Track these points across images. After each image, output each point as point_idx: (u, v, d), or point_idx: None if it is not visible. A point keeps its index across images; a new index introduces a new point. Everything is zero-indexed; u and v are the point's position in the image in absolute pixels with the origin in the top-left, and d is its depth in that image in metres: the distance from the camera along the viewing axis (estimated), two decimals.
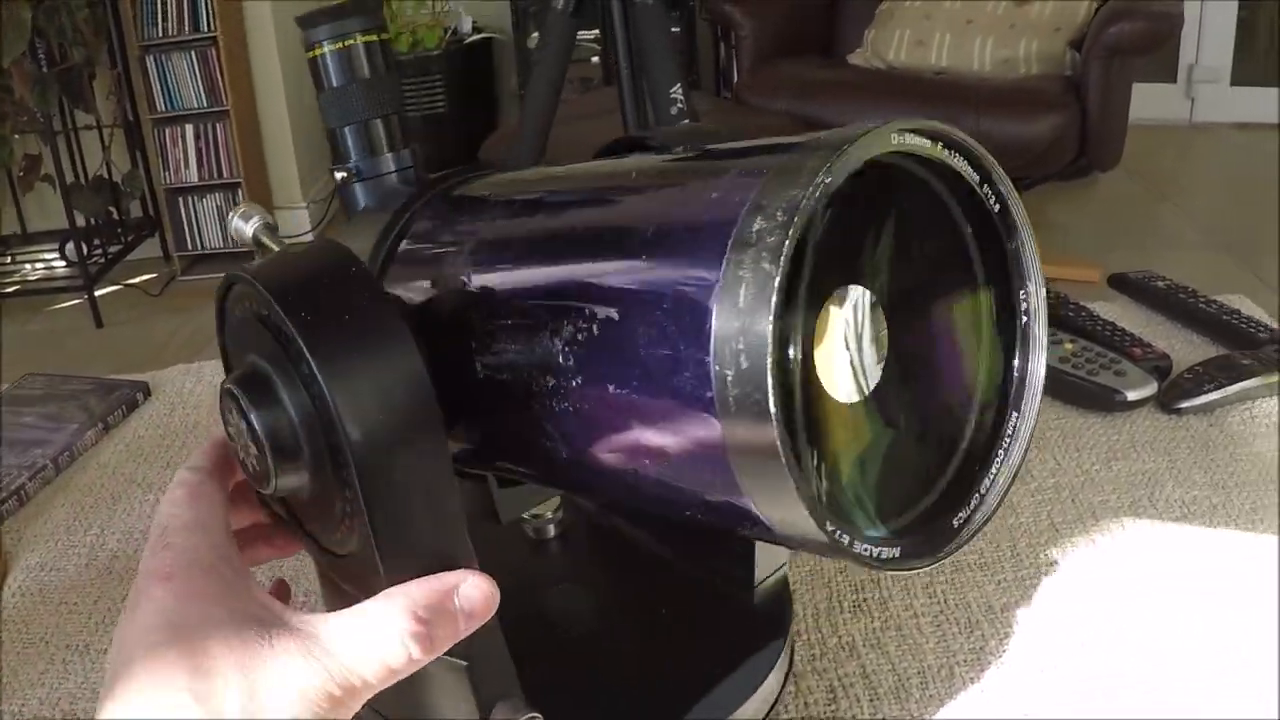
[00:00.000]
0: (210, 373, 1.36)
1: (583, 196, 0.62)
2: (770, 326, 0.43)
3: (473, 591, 0.54)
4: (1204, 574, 0.89)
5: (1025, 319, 0.55)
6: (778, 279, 0.43)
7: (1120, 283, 1.38)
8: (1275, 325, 1.23)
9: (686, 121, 1.52)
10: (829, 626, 0.86)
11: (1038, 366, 0.55)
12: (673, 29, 4.73)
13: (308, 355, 0.52)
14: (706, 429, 0.47)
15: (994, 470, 0.55)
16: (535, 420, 0.57)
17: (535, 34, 4.81)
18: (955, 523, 0.53)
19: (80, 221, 4.21)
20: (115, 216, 4.48)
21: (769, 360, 0.43)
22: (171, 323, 4.05)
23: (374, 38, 0.72)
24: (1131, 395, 1.10)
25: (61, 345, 3.91)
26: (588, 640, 0.79)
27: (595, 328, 0.51)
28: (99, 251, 4.33)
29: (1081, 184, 4.66)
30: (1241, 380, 1.12)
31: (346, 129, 0.73)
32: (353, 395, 0.52)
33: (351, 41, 0.71)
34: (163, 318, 4.12)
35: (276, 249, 0.69)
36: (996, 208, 0.53)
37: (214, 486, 0.60)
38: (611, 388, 0.51)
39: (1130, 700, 0.77)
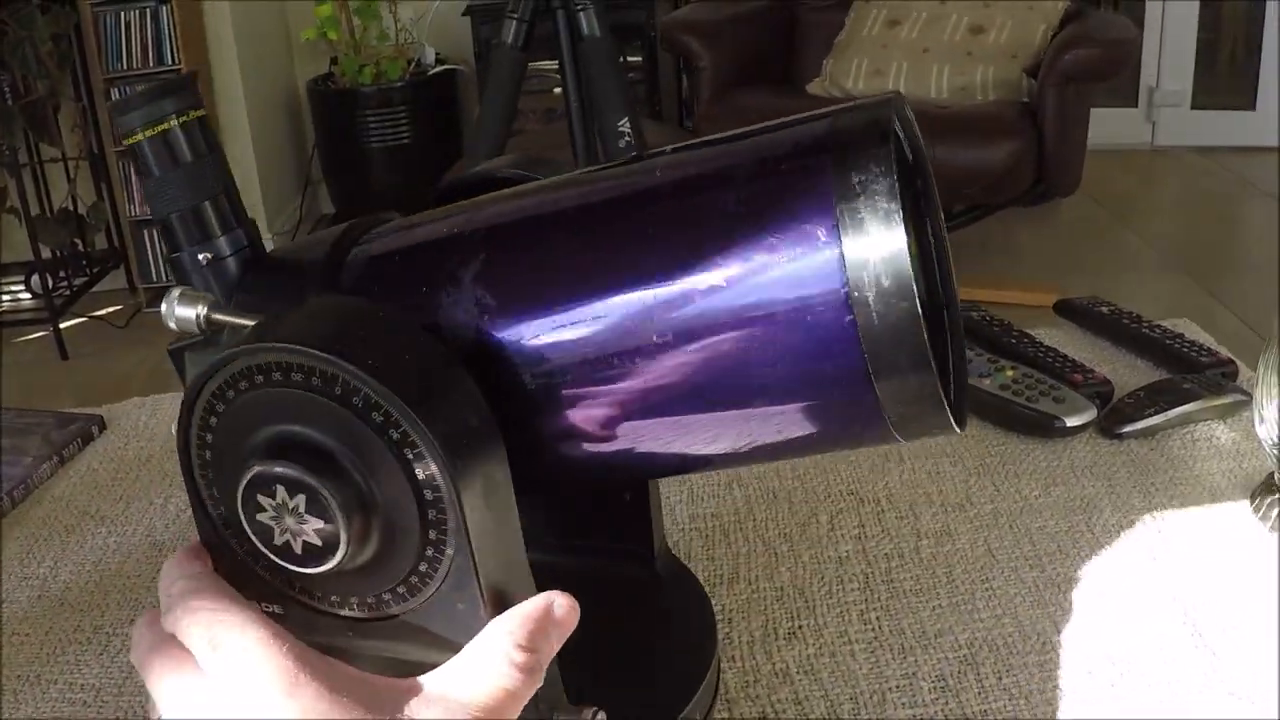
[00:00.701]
0: (167, 406, 1.37)
1: (616, 190, 0.63)
2: (906, 245, 0.50)
3: (564, 610, 0.57)
4: (1140, 597, 0.90)
5: (934, 240, 0.62)
6: (898, 213, 0.51)
7: (1065, 309, 1.40)
8: (1219, 349, 1.25)
9: (633, 154, 1.55)
10: (763, 654, 0.87)
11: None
12: (632, 58, 4.76)
13: (424, 429, 0.54)
14: (846, 351, 0.52)
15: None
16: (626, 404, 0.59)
17: None
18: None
19: (46, 253, 4.21)
20: (81, 248, 4.47)
21: (911, 274, 0.50)
22: (136, 354, 4.05)
23: (190, 117, 0.68)
24: (1071, 421, 1.12)
25: (26, 377, 3.90)
26: None
27: (700, 299, 0.55)
28: (64, 284, 4.33)
29: (1043, 209, 4.69)
30: (1183, 404, 1.14)
31: (174, 216, 0.68)
32: (461, 455, 0.55)
33: (168, 125, 0.67)
34: (128, 350, 4.12)
35: (242, 320, 0.63)
36: (911, 155, 0.60)
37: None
38: (727, 346, 0.55)
39: (1065, 718, 0.79)
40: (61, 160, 4.38)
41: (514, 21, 1.73)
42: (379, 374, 0.53)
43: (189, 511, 1.10)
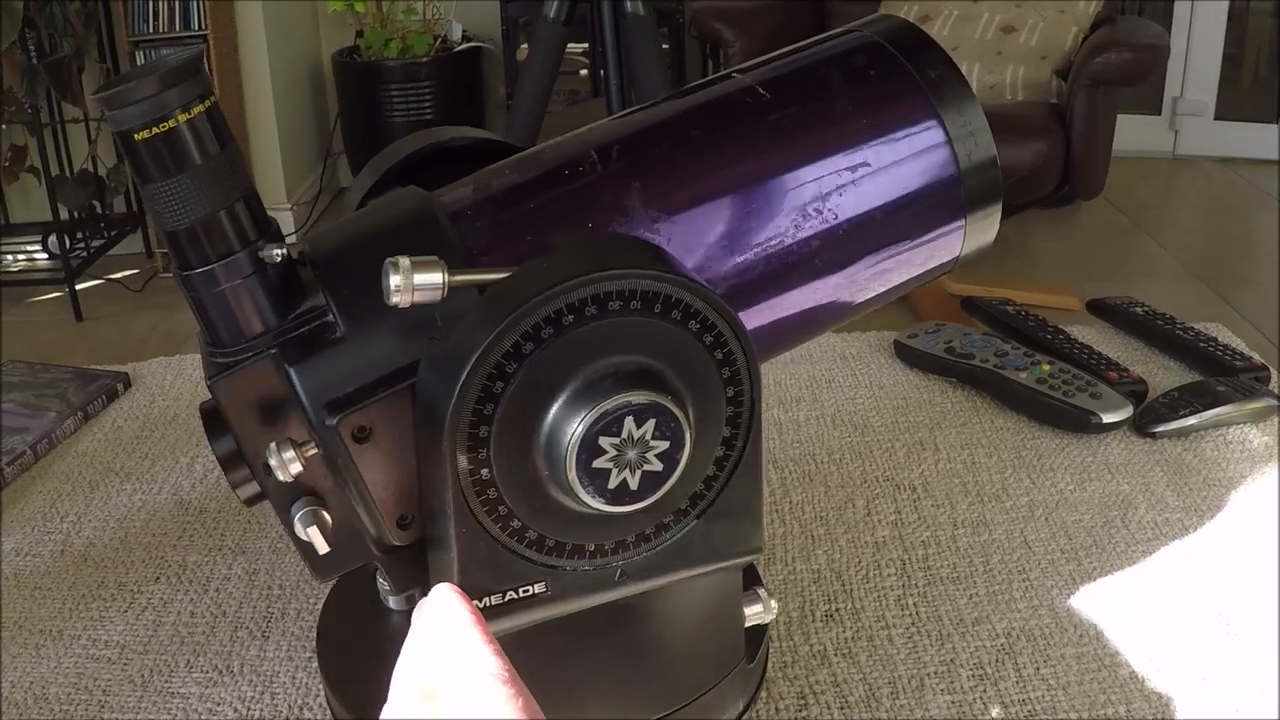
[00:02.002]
0: (191, 366, 1.36)
1: (737, 107, 0.70)
2: (982, 112, 0.70)
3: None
4: (1175, 594, 0.90)
5: None
6: (970, 90, 0.70)
7: (1099, 308, 1.39)
8: (1251, 354, 1.24)
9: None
10: (801, 635, 0.86)
11: None
12: (661, 45, 4.75)
13: (741, 343, 0.60)
14: (950, 190, 0.70)
15: None
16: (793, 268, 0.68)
17: (524, 45, 4.82)
18: None
19: (64, 215, 4.20)
20: (99, 211, 4.46)
21: (990, 135, 0.73)
22: (151, 318, 4.04)
23: (201, 109, 0.57)
24: (1107, 418, 1.11)
25: (41, 336, 3.90)
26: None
27: (854, 182, 0.68)
28: (81, 245, 4.32)
29: (1063, 212, 4.68)
30: (1217, 406, 1.13)
31: (182, 232, 0.59)
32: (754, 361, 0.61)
33: (172, 123, 0.57)
34: (143, 313, 4.10)
35: (488, 276, 0.59)
36: None
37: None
38: (878, 216, 0.69)
39: (1104, 712, 0.78)
40: (83, 121, 4.37)
41: None
42: (706, 295, 0.57)
43: (216, 471, 1.11)
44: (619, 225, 0.65)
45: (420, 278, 0.56)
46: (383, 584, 0.78)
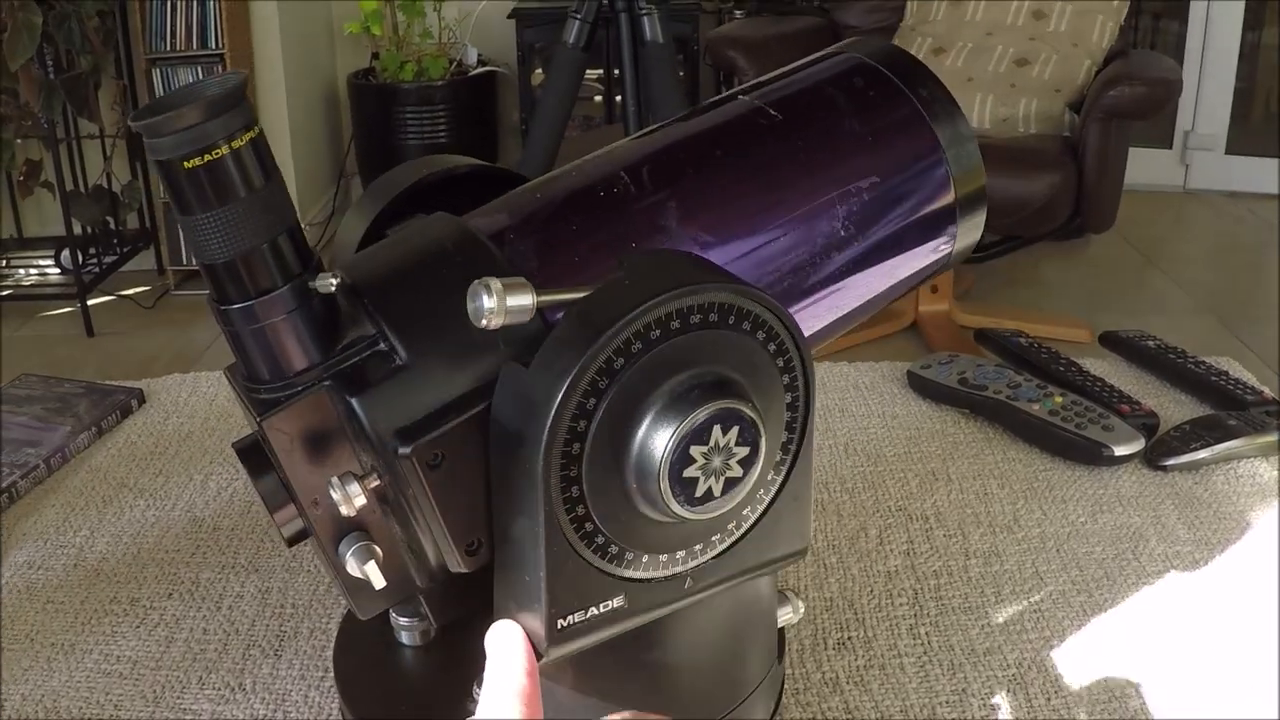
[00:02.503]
0: (205, 384, 1.36)
1: (753, 128, 0.73)
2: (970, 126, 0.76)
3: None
4: (1186, 625, 0.90)
5: None
6: (959, 109, 0.75)
7: (1111, 341, 1.39)
8: (1262, 388, 1.24)
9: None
10: (813, 663, 0.86)
11: None
12: (679, 72, 4.77)
13: (800, 351, 0.62)
14: (945, 198, 0.75)
15: None
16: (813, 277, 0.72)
17: (539, 70, 4.82)
18: None
19: (77, 230, 4.21)
20: (112, 226, 4.47)
21: (977, 147, 0.76)
22: (162, 335, 4.05)
23: (248, 138, 0.56)
24: (1119, 450, 1.11)
25: (52, 352, 3.91)
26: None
27: (865, 196, 0.72)
28: (94, 261, 4.33)
29: (1074, 245, 4.68)
30: (1228, 440, 1.14)
31: (222, 266, 0.58)
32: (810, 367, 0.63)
33: (220, 152, 0.55)
34: (154, 330, 4.12)
35: (569, 295, 0.58)
36: None
37: None
38: (885, 227, 0.73)
39: None
40: (99, 137, 4.38)
41: (577, 22, 1.73)
42: (769, 304, 0.59)
43: (230, 489, 1.11)
44: (662, 243, 0.67)
45: (513, 300, 0.56)
46: (398, 619, 0.78)
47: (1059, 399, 1.18)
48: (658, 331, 0.56)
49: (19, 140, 4.01)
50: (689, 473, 0.57)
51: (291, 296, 0.58)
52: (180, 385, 1.36)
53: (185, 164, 0.54)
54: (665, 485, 0.57)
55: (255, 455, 0.62)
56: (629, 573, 0.61)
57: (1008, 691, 0.83)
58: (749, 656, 0.72)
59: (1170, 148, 5.84)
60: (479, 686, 0.64)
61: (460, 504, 0.60)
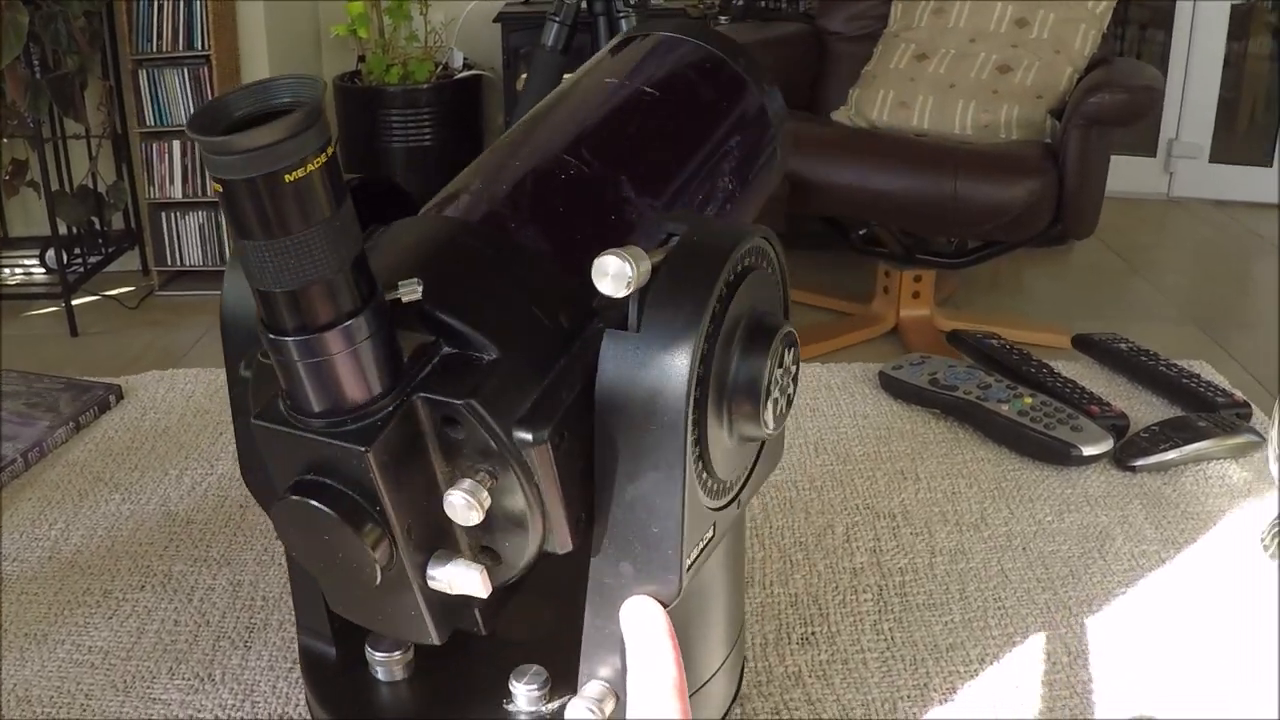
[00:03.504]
0: (183, 381, 1.37)
1: (635, 98, 0.82)
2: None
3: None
4: (1151, 626, 0.91)
5: None
6: (772, 84, 0.86)
7: (1083, 343, 1.40)
8: (1234, 391, 1.25)
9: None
10: (776, 657, 0.87)
11: None
12: None
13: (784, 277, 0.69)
14: (771, 139, 0.86)
15: None
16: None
17: (524, 74, 4.83)
18: None
19: (62, 229, 4.21)
20: (97, 227, 4.48)
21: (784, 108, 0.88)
22: (146, 335, 4.06)
23: (331, 151, 0.53)
24: (1087, 450, 1.12)
25: (36, 350, 3.91)
26: None
27: (733, 147, 0.81)
28: (79, 260, 4.34)
29: (1056, 252, 4.71)
30: (1197, 441, 1.15)
31: (308, 290, 0.54)
32: None
33: (314, 165, 0.51)
34: (138, 330, 4.13)
35: (658, 255, 0.61)
36: None
37: None
38: (746, 169, 0.83)
39: None
40: (85, 137, 4.39)
41: (555, 25, 1.74)
42: (777, 244, 0.67)
43: (204, 484, 1.12)
44: (633, 213, 0.72)
45: (643, 265, 0.58)
46: (373, 654, 0.77)
47: (1028, 400, 1.19)
48: (733, 276, 0.61)
49: (4, 139, 4.02)
50: (774, 393, 0.64)
51: (374, 315, 0.57)
52: (158, 382, 1.37)
53: (287, 177, 0.51)
54: (767, 408, 0.63)
55: (333, 496, 0.59)
56: (721, 501, 0.66)
57: (969, 687, 0.84)
58: (738, 592, 0.78)
59: (1154, 155, 5.87)
60: (508, 702, 0.66)
61: (573, 481, 0.61)
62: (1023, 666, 0.86)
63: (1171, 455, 1.14)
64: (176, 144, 4.41)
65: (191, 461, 1.18)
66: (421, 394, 0.58)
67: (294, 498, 0.59)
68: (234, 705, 0.84)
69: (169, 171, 4.43)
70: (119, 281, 4.53)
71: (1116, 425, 1.19)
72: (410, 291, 0.58)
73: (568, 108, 0.81)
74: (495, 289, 0.63)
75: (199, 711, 0.84)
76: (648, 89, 0.81)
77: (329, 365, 0.56)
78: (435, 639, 0.65)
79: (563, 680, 0.71)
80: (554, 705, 0.71)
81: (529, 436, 0.58)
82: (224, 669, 0.88)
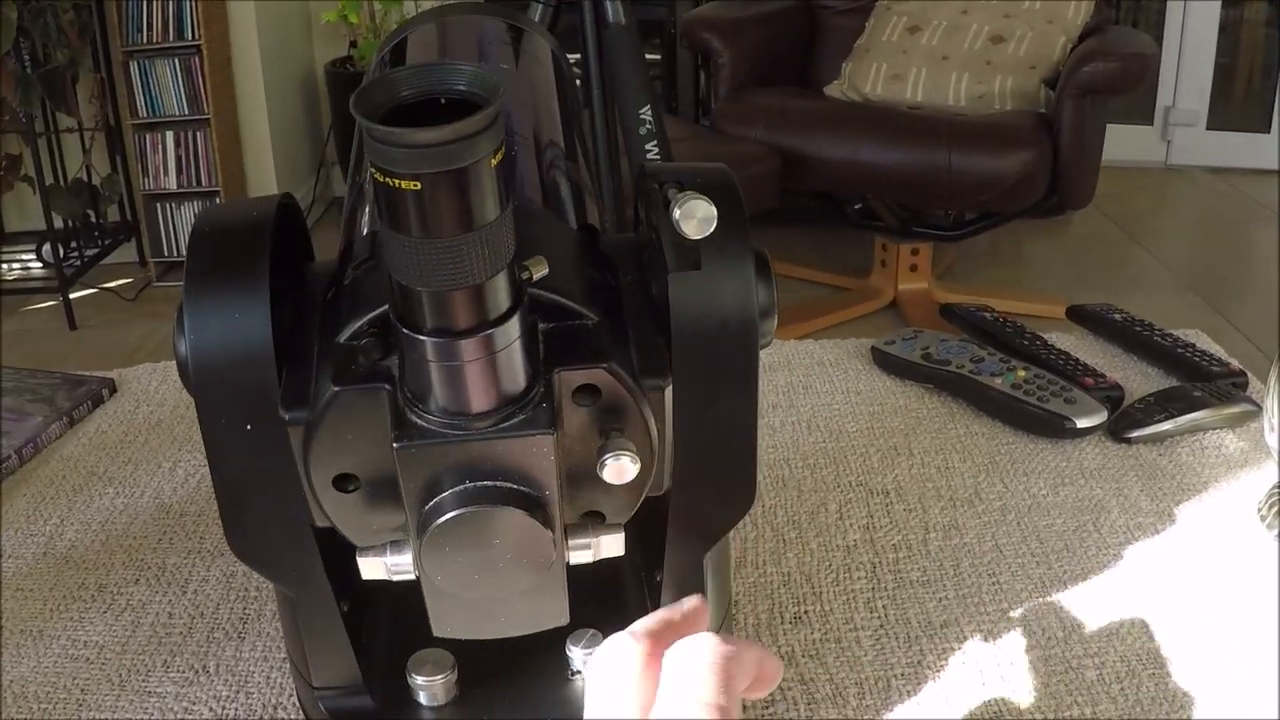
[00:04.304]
0: (175, 372, 1.36)
1: None
2: None
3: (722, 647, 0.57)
4: (1146, 598, 0.91)
5: None
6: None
7: (1078, 314, 1.40)
8: (1230, 360, 1.25)
9: (655, 142, 1.55)
10: (769, 637, 0.87)
11: None
12: (651, 56, 4.76)
13: None
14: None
15: None
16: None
17: None
18: None
19: (58, 223, 4.21)
20: (93, 220, 4.48)
21: None
22: (145, 327, 4.06)
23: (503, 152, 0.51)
24: (1081, 423, 1.12)
25: (34, 345, 3.91)
26: None
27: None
28: (75, 254, 4.34)
29: (1055, 223, 4.70)
30: (1192, 411, 1.14)
31: (467, 289, 0.52)
32: None
33: (501, 154, 0.50)
34: (136, 322, 4.13)
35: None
36: None
37: None
38: None
39: (1069, 714, 0.79)
40: (77, 131, 4.39)
41: (539, 5, 1.74)
42: None
43: (198, 476, 1.12)
44: (558, 175, 0.79)
45: (714, 209, 0.60)
46: (416, 679, 0.75)
47: (1022, 373, 1.19)
48: None
49: None
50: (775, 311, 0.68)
51: (528, 304, 0.56)
52: (151, 374, 1.37)
53: (496, 157, 0.49)
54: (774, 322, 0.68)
55: (501, 495, 0.58)
56: None
57: (963, 663, 0.84)
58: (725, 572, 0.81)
59: (1151, 124, 5.85)
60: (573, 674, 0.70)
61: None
62: (1018, 643, 0.86)
63: (1167, 426, 1.13)
64: (170, 135, 4.40)
65: (184, 454, 1.18)
66: (559, 369, 0.58)
67: (467, 510, 0.57)
68: (228, 697, 0.84)
69: (163, 162, 4.43)
70: (116, 274, 4.53)
71: (1111, 397, 1.18)
72: (540, 267, 0.57)
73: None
74: (565, 259, 0.65)
75: (194, 704, 0.84)
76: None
77: (504, 356, 0.55)
78: (567, 618, 0.65)
79: None
80: None
81: (660, 382, 0.62)
82: (218, 660, 0.88)
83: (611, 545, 0.64)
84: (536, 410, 0.57)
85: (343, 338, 0.60)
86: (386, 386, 0.57)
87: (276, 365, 0.60)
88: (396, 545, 0.61)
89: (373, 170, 0.49)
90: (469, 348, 0.54)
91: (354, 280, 0.64)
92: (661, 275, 0.63)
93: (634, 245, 0.70)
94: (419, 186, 0.48)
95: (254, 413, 0.61)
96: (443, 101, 0.50)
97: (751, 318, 0.63)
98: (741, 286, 0.63)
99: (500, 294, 0.54)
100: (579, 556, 0.63)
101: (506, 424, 0.56)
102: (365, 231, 0.70)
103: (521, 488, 0.57)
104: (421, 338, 0.53)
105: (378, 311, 0.59)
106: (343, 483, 0.61)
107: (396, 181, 0.48)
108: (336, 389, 0.58)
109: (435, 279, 0.51)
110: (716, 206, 0.60)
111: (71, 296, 4.11)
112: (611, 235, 0.72)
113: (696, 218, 0.59)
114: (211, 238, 0.63)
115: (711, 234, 0.60)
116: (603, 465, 0.59)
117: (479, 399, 0.56)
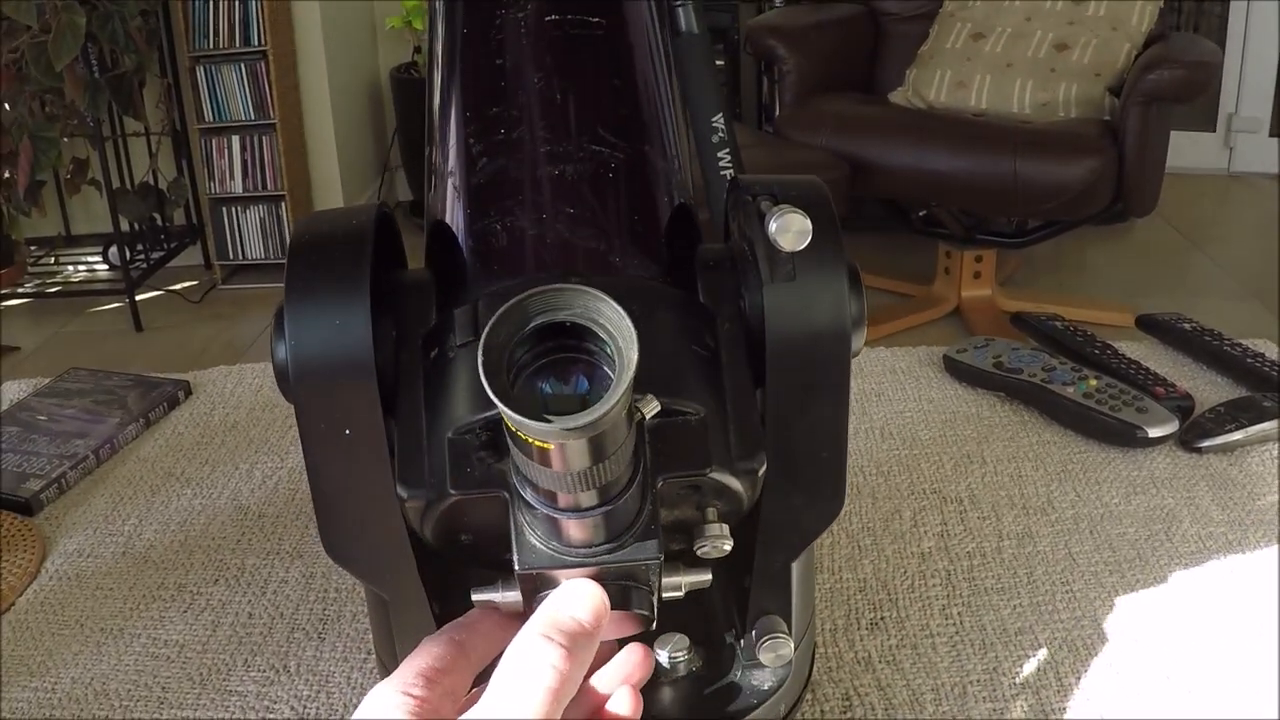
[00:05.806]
0: (251, 375, 1.38)
1: None
2: None
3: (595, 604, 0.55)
4: (1218, 610, 0.90)
5: None
6: None
7: (1148, 324, 1.39)
8: None
9: (727, 150, 1.55)
10: (846, 642, 0.88)
11: None
12: (717, 62, 4.76)
13: None
14: None
15: None
16: None
17: None
18: None
19: (124, 226, 4.25)
20: (159, 223, 4.52)
21: None
22: (210, 329, 4.09)
23: None
24: (1153, 432, 1.12)
25: (101, 347, 3.95)
26: None
27: None
28: (141, 257, 4.38)
29: (1117, 229, 4.66)
30: (1263, 422, 1.14)
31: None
32: None
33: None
34: (201, 324, 4.16)
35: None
36: None
37: None
38: None
39: None
40: (144, 135, 4.43)
41: None
42: None
43: (275, 478, 1.14)
44: (659, 178, 0.77)
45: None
46: None
47: (1094, 382, 1.18)
48: None
49: (66, 139, 4.05)
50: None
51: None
52: (226, 377, 1.38)
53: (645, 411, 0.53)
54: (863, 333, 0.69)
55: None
56: None
57: (1038, 670, 0.84)
58: (809, 579, 0.79)
59: (1214, 130, 5.80)
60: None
61: None
62: (1092, 651, 0.86)
63: (1237, 436, 1.13)
64: (236, 139, 4.43)
65: (261, 455, 1.20)
66: (665, 477, 0.59)
67: None
68: (309, 696, 0.85)
69: (229, 166, 4.46)
70: (181, 276, 4.57)
71: (1182, 406, 1.18)
72: (650, 405, 0.54)
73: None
74: (662, 344, 0.63)
75: (274, 703, 0.85)
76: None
77: (621, 506, 0.55)
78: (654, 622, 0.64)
79: (700, 641, 0.72)
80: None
81: (754, 465, 0.62)
82: (299, 660, 0.89)
83: (699, 579, 0.63)
84: (646, 535, 0.56)
85: (452, 431, 0.60)
86: (504, 494, 0.57)
87: (377, 374, 0.61)
88: (509, 583, 0.60)
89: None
90: (598, 516, 0.54)
91: (457, 360, 0.63)
92: (755, 287, 0.64)
93: (728, 257, 0.69)
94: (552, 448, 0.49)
95: (354, 419, 0.62)
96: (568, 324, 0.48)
97: (845, 329, 0.64)
98: (835, 299, 0.64)
99: (624, 472, 0.53)
100: (667, 595, 0.62)
101: (621, 551, 0.56)
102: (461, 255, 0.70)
103: (625, 583, 0.57)
104: (548, 511, 0.54)
105: (490, 414, 0.59)
106: (454, 536, 0.63)
107: (530, 439, 0.48)
108: (455, 494, 0.59)
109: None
110: (811, 219, 0.61)
111: (137, 299, 4.15)
112: (707, 246, 0.72)
113: (792, 231, 0.61)
114: (313, 245, 0.63)
115: (806, 246, 0.61)
116: (699, 546, 0.61)
117: (595, 538, 0.56)
